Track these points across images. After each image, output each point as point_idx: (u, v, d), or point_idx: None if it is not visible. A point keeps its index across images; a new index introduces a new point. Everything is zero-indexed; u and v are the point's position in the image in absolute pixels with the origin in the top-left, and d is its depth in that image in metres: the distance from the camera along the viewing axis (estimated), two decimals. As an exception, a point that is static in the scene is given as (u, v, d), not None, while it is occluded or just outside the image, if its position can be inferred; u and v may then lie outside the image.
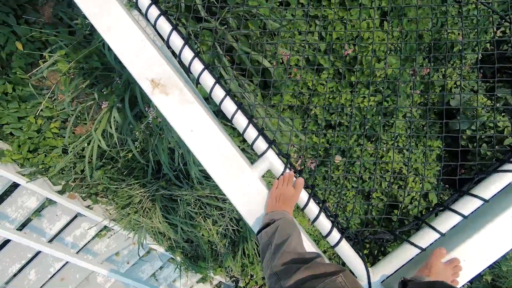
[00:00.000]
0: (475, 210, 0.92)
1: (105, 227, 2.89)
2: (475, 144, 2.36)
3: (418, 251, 0.94)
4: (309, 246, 0.95)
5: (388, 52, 2.26)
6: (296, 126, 2.35)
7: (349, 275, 0.66)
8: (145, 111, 1.95)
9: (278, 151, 1.02)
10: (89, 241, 2.95)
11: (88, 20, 0.99)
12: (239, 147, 1.09)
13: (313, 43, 2.20)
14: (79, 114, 2.47)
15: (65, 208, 2.67)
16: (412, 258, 0.95)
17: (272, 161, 1.00)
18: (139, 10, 1.09)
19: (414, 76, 2.38)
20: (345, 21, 2.12)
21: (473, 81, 2.56)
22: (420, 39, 2.30)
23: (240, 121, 1.01)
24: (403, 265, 0.96)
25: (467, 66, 2.49)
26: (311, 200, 0.97)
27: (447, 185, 2.66)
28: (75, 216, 2.84)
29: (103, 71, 2.05)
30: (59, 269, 2.94)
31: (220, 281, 3.51)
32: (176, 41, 1.02)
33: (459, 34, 2.34)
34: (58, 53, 1.95)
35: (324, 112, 2.42)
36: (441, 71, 2.48)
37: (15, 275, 2.89)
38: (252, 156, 2.14)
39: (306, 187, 1.00)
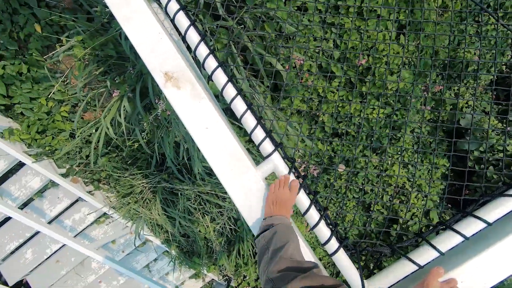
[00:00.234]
0: (477, 232, 0.91)
1: (105, 214, 2.91)
2: (481, 166, 2.33)
3: (415, 268, 0.93)
4: (307, 253, 0.95)
5: (402, 65, 2.25)
6: (303, 131, 2.35)
7: None
8: (154, 103, 1.97)
9: (283, 155, 1.02)
10: (87, 226, 2.98)
11: (108, 8, 1.01)
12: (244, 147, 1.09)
13: (327, 50, 2.20)
14: (89, 100, 2.50)
15: (67, 192, 2.70)
16: (409, 274, 0.95)
17: (277, 163, 1.00)
18: (159, 3, 1.10)
19: (426, 92, 2.36)
20: (362, 31, 2.11)
21: (485, 102, 2.53)
22: (435, 55, 2.28)
23: (249, 121, 1.01)
24: (399, 281, 0.95)
25: (480, 87, 2.47)
26: (313, 206, 0.97)
27: (449, 205, 2.63)
28: (76, 200, 2.88)
29: (117, 60, 2.07)
30: (56, 251, 2.97)
31: (213, 279, 3.51)
32: (193, 36, 1.03)
33: (475, 54, 2.32)
34: (75, 38, 1.98)
35: (332, 120, 2.41)
36: (454, 89, 2.45)
37: (12, 252, 2.93)
38: (256, 157, 2.14)
39: (308, 193, 1.00)
